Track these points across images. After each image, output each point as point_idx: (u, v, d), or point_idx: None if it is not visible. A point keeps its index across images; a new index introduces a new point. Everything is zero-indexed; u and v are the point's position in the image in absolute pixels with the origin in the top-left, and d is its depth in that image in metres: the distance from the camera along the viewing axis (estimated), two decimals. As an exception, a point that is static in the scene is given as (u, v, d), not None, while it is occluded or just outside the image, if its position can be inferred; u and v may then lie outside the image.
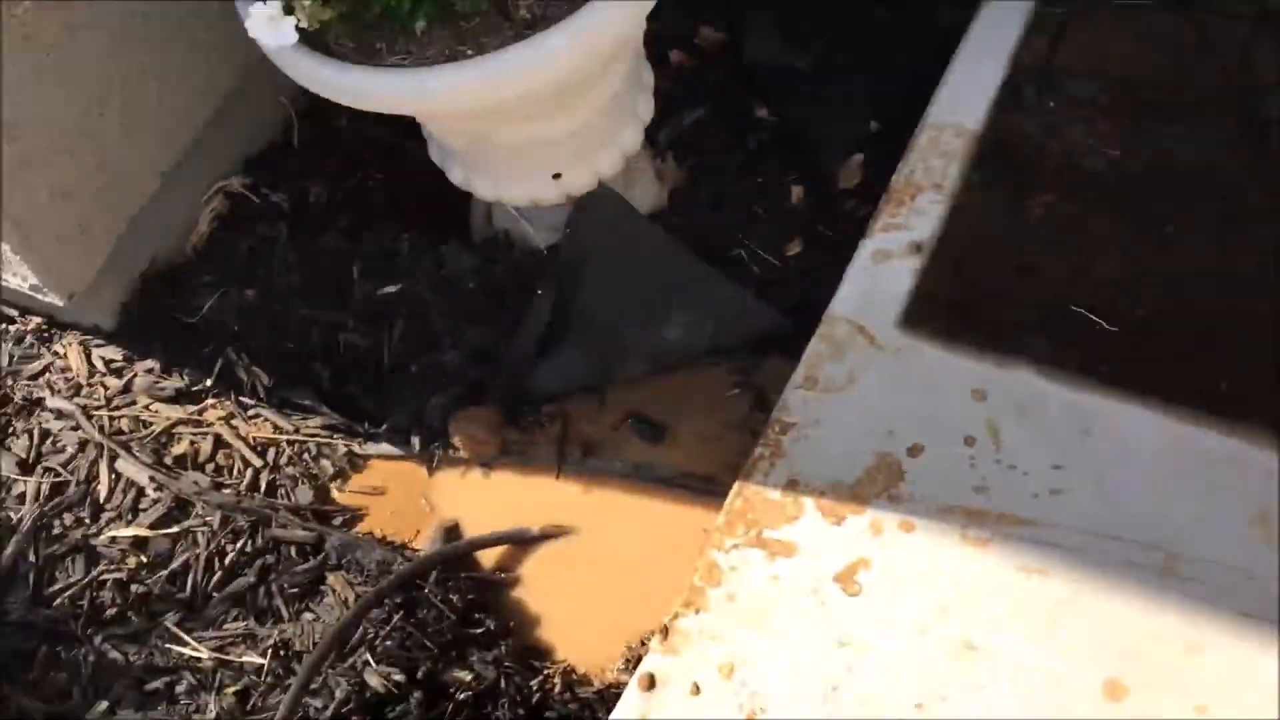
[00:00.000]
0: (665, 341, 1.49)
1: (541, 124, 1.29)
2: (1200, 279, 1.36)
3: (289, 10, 1.10)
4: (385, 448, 1.51)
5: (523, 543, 1.43)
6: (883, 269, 1.44)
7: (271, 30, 1.08)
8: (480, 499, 1.48)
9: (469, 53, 1.16)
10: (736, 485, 1.34)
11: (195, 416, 1.55)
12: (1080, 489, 1.28)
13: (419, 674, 1.30)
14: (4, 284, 1.55)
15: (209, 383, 1.56)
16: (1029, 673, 1.19)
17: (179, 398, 1.56)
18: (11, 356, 1.63)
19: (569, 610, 1.40)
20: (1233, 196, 1.41)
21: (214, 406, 1.56)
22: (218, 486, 1.49)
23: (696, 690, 1.24)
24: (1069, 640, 1.20)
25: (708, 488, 1.44)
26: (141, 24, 1.49)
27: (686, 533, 1.42)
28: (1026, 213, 1.43)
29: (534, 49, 1.12)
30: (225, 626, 1.40)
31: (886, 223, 1.47)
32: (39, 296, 1.53)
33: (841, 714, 1.20)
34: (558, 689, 1.32)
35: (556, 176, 1.40)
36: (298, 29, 1.12)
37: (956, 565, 1.26)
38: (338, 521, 1.47)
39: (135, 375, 1.59)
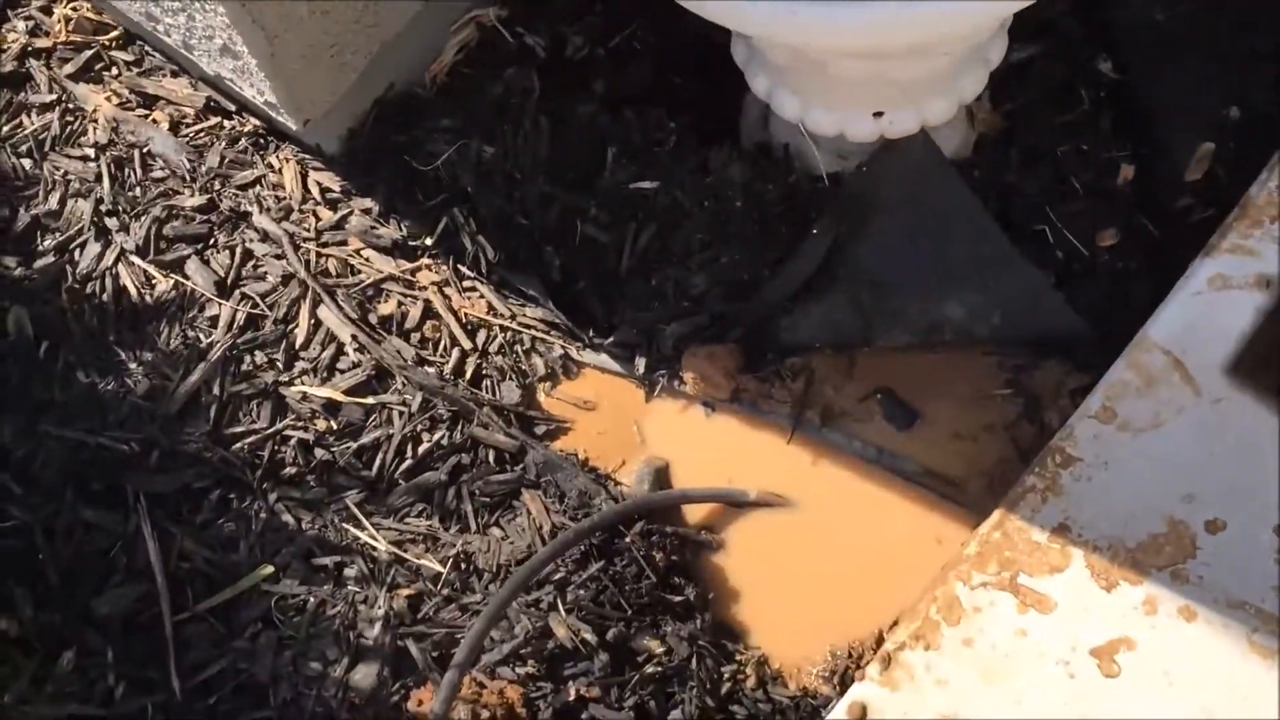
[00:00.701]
0: (941, 317, 1.29)
1: (890, 64, 1.07)
2: None
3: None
4: (605, 360, 1.36)
5: (737, 505, 1.28)
6: (1219, 299, 1.21)
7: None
8: (697, 442, 1.33)
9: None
10: (997, 514, 1.17)
11: (408, 275, 1.40)
12: (1402, 623, 1.09)
13: (608, 635, 1.18)
14: (238, 90, 1.38)
15: (429, 241, 1.41)
16: (1294, 821, 1.04)
17: (394, 250, 1.41)
18: (223, 158, 1.48)
19: (772, 592, 1.26)
20: None
21: (429, 269, 1.40)
22: (422, 362, 1.35)
23: (910, 737, 1.10)
24: (1350, 796, 1.04)
25: (952, 493, 1.27)
26: None
27: (918, 538, 1.26)
28: None
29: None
30: (407, 520, 1.28)
31: (1234, 243, 1.23)
32: (271, 114, 1.37)
33: (1066, 808, 1.06)
34: (751, 681, 1.20)
35: (878, 115, 1.18)
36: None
37: (1233, 672, 1.09)
38: (541, 430, 1.34)
39: (351, 212, 1.43)
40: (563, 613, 1.19)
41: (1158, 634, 1.11)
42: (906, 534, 1.27)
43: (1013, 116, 1.38)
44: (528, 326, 1.38)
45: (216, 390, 1.35)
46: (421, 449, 1.30)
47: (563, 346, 1.37)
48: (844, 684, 1.18)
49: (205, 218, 1.45)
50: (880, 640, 1.21)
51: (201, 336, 1.39)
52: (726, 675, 1.20)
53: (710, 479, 1.31)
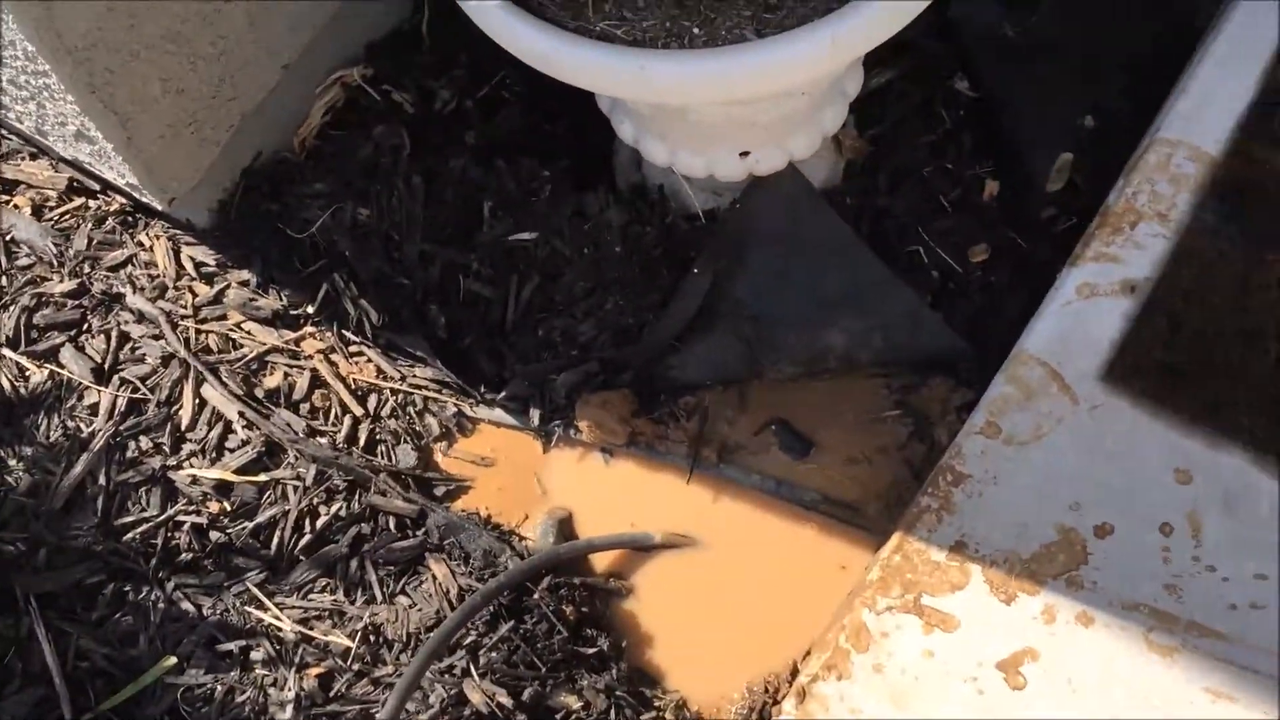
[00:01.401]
0: (825, 345, 1.29)
1: (750, 108, 1.05)
2: None
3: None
4: (499, 414, 1.33)
5: (643, 549, 1.26)
6: (1088, 307, 1.22)
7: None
8: (597, 489, 1.30)
9: (695, 30, 0.92)
10: (896, 537, 1.16)
11: (292, 345, 1.35)
12: (1286, 607, 1.11)
13: (524, 696, 1.15)
14: (98, 172, 1.32)
15: (310, 309, 1.37)
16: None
17: (275, 320, 1.37)
18: (90, 240, 1.42)
19: (686, 633, 1.24)
20: None
21: (314, 337, 1.36)
22: (313, 433, 1.30)
23: (829, 768, 1.09)
24: (1253, 784, 1.05)
25: (852, 517, 1.27)
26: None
27: (823, 566, 1.25)
28: (1267, 269, 1.21)
29: (788, 49, 0.89)
30: (311, 597, 1.24)
31: (1098, 251, 1.25)
32: (133, 193, 1.31)
33: (986, 825, 1.06)
34: (670, 727, 1.17)
35: (744, 154, 1.17)
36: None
37: (1136, 674, 1.10)
38: (440, 491, 1.30)
39: (228, 286, 1.38)
40: (476, 678, 1.16)
41: (1058, 642, 1.11)
42: (812, 563, 1.26)
43: (878, 141, 1.39)
44: (419, 387, 1.35)
45: (102, 480, 1.29)
46: (320, 522, 1.26)
47: (456, 405, 1.34)
48: (763, 717, 1.17)
49: (77, 303, 1.39)
50: (795, 672, 1.20)
51: (82, 426, 1.32)
52: (647, 720, 1.18)
53: (614, 525, 1.28)
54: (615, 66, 0.92)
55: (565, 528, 1.28)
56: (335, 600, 1.24)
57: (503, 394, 1.32)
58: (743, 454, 1.31)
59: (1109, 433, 1.19)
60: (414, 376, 1.35)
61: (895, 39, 1.37)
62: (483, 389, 1.33)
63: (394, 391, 1.35)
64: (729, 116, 1.09)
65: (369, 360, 1.36)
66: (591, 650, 1.20)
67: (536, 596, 1.20)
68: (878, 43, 0.97)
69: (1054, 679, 1.11)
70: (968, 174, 1.37)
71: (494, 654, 1.18)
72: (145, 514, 1.28)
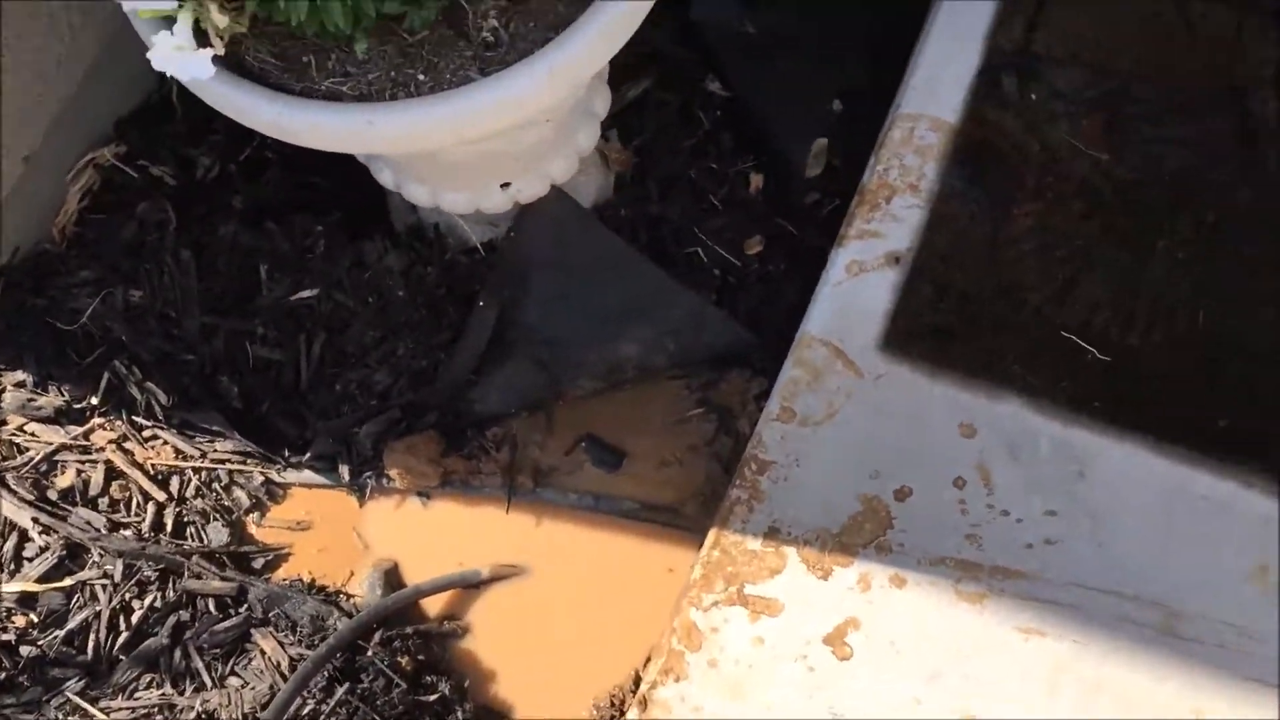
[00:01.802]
0: (620, 357, 1.30)
1: (492, 144, 1.05)
2: (1194, 300, 1.24)
3: (199, 32, 0.83)
4: (309, 476, 1.29)
5: (473, 587, 1.24)
6: (859, 283, 1.26)
7: (182, 63, 0.81)
8: (419, 534, 1.28)
9: (421, 77, 0.91)
10: (713, 534, 1.18)
11: (81, 441, 1.29)
12: (1075, 538, 1.16)
13: (371, 756, 1.12)
14: None
15: (94, 400, 1.31)
16: (1041, 750, 1.09)
17: (59, 417, 1.30)
18: None
19: (527, 662, 1.24)
20: (1225, 207, 1.27)
21: (103, 428, 1.30)
22: (115, 527, 1.25)
23: (679, 770, 1.10)
24: (1070, 710, 1.10)
25: (672, 519, 1.28)
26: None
27: (651, 571, 1.26)
28: (1012, 223, 1.27)
29: (509, 85, 0.89)
30: (138, 695, 1.19)
31: (860, 228, 1.29)
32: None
33: (835, 795, 1.08)
34: (522, 757, 1.16)
35: (505, 185, 1.16)
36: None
37: (951, 625, 1.14)
38: (259, 564, 1.26)
39: (3, 390, 1.31)
40: (318, 748, 1.13)
41: (876, 608, 1.15)
42: (640, 571, 1.27)
43: (643, 150, 1.40)
44: (221, 462, 1.30)
45: (-108, 614, 1.22)
46: (135, 617, 1.21)
47: (262, 473, 1.30)
48: (611, 732, 1.17)
49: None
50: (638, 680, 1.21)
51: None
52: (498, 758, 1.17)
53: (441, 567, 1.27)
54: (343, 124, 0.91)
55: (392, 578, 1.26)
56: (163, 694, 1.19)
57: (308, 455, 1.29)
58: (557, 475, 1.30)
59: (895, 399, 1.23)
60: (214, 452, 1.30)
61: (643, 50, 1.41)
62: (287, 453, 1.30)
63: (196, 470, 1.30)
64: (480, 153, 1.08)
65: (165, 443, 1.30)
66: (433, 697, 1.18)
67: (370, 653, 1.18)
68: (595, 68, 0.98)
69: (877, 644, 1.14)
70: (732, 171, 1.40)
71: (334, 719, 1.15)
72: (-54, 641, 1.21)
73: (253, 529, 1.30)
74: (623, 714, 1.19)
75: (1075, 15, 1.38)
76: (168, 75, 0.86)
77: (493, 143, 1.05)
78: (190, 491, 1.29)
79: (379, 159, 1.17)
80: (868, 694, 1.12)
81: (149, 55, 0.83)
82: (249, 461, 1.31)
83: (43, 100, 1.31)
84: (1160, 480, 1.18)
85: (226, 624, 1.21)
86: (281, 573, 1.27)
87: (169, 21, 0.88)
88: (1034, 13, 1.37)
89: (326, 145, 0.93)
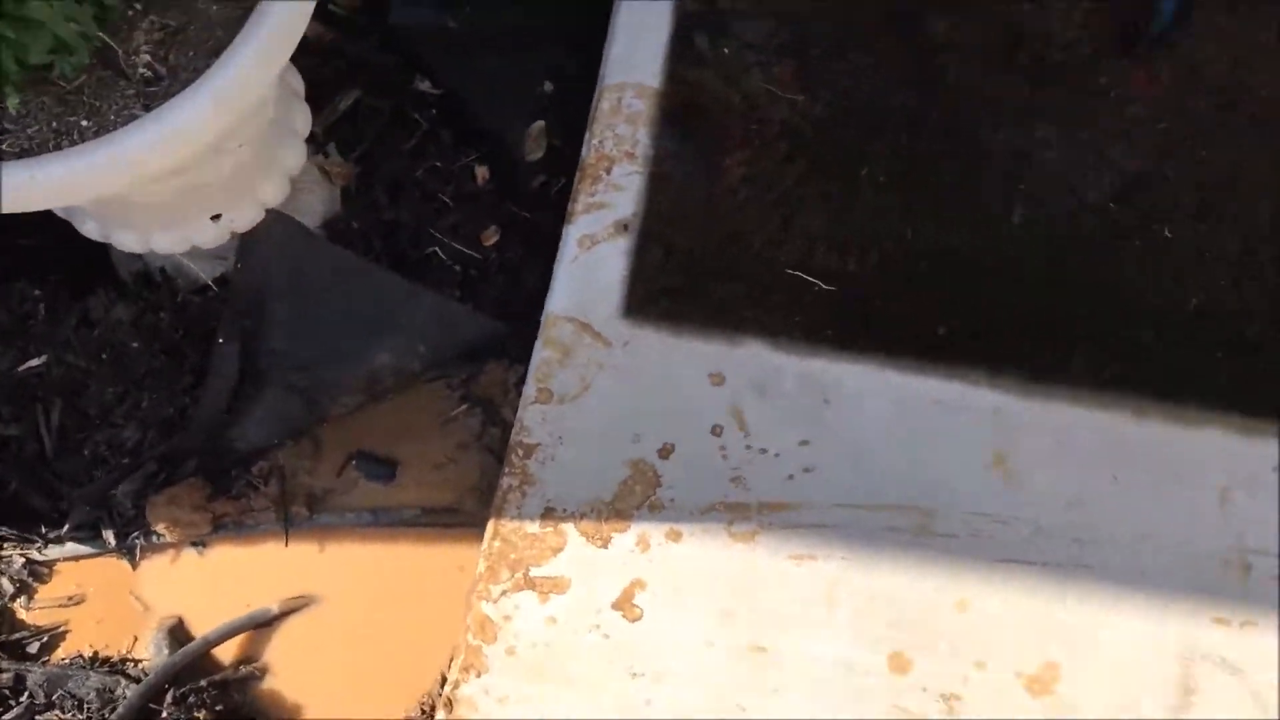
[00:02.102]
0: (375, 368, 1.28)
1: (188, 176, 1.01)
2: (902, 221, 1.30)
3: None
4: (72, 548, 1.24)
5: (266, 625, 1.21)
6: (593, 256, 1.28)
7: None
8: (200, 585, 1.25)
9: (85, 123, 0.88)
10: (491, 524, 1.18)
11: None
12: (831, 462, 1.21)
13: (181, 817, 1.09)
14: None
15: None
16: (819, 664, 1.15)
17: None
18: None
19: (333, 690, 1.22)
20: (912, 128, 1.34)
21: None
22: None
23: (496, 760, 1.11)
24: (848, 623, 1.16)
25: (453, 519, 1.28)
26: None
27: (442, 574, 1.26)
28: (725, 174, 1.31)
29: (173, 118, 0.86)
30: (-78, 812, 1.11)
31: (586, 203, 1.31)
32: None
33: (649, 749, 1.11)
34: (341, 782, 1.15)
35: (216, 218, 1.13)
36: None
37: (729, 566, 1.18)
38: (34, 647, 1.20)
39: None
40: (126, 821, 1.09)
41: (657, 565, 1.17)
42: (431, 575, 1.26)
43: (364, 160, 1.39)
44: (-26, 552, 1.23)
45: None
46: (-93, 733, 1.14)
47: (22, 554, 1.24)
48: (426, 739, 1.17)
49: None
50: (443, 684, 1.21)
51: None
52: (317, 790, 1.15)
53: (228, 614, 1.23)
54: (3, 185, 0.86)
55: (178, 634, 1.22)
56: (-48, 803, 1.13)
57: (67, 527, 1.23)
58: (333, 497, 1.28)
59: (645, 363, 1.26)
60: (-35, 543, 1.24)
61: (345, 61, 1.39)
62: (44, 529, 1.24)
63: (-52, 566, 1.23)
64: (177, 189, 1.05)
65: (-90, 543, 1.23)
66: (240, 744, 1.16)
67: (165, 716, 1.14)
68: (261, 88, 0.96)
69: (663, 599, 1.17)
70: (456, 166, 1.40)
71: (138, 790, 1.11)
72: None
73: (22, 614, 1.23)
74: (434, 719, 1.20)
75: (758, -33, 1.44)
76: None
77: (187, 176, 1.02)
78: (-54, 589, 1.22)
79: (77, 211, 1.12)
80: (663, 647, 1.15)
81: None
82: (5, 545, 1.24)
83: None
84: (896, 392, 1.24)
85: (8, 717, 1.16)
86: (61, 652, 1.21)
87: None
88: (716, -30, 1.42)
89: (-6, 210, 0.88)
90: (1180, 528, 1.18)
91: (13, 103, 0.86)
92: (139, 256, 1.34)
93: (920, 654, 1.15)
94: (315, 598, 1.26)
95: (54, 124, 0.89)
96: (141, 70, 0.89)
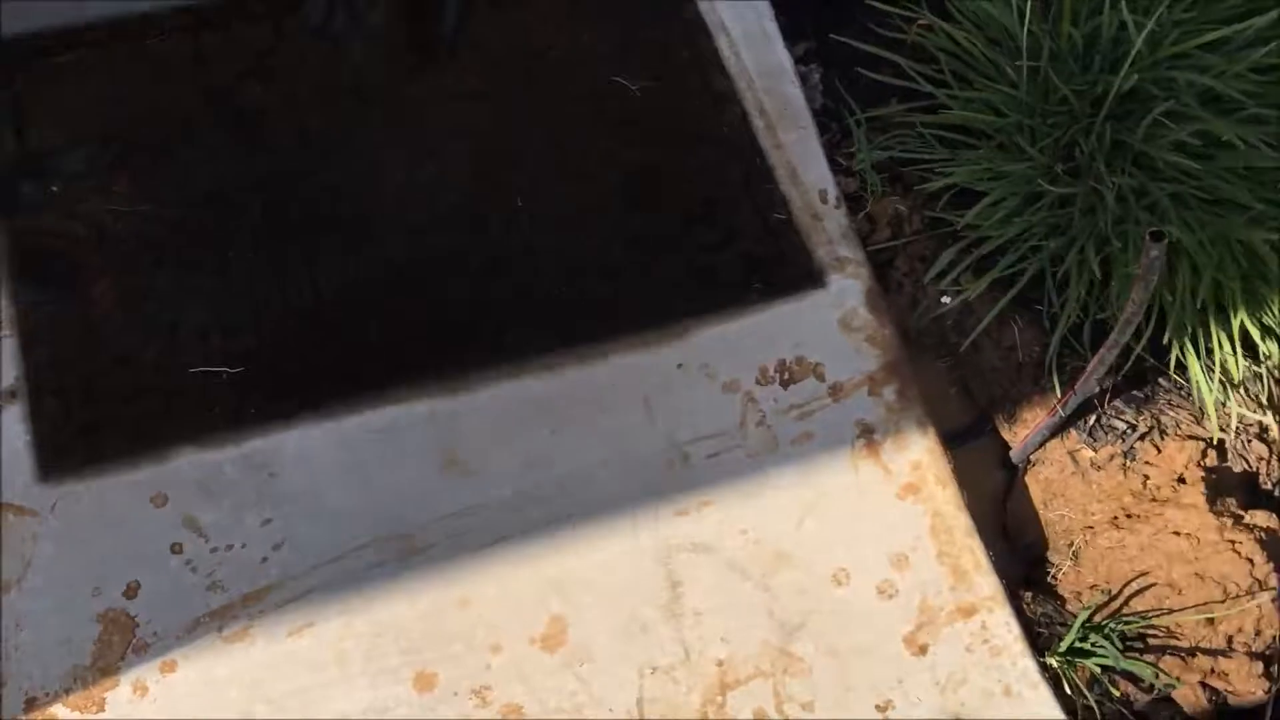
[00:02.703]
0: None
1: None
2: (275, 287, 1.31)
3: None
4: None
5: None
6: (-15, 432, 1.22)
7: None
8: None
9: None
10: (-26, 749, 1.10)
11: None
12: (297, 528, 1.22)
13: None
14: None
15: None
16: (368, 713, 1.14)
17: None
18: None
19: None
20: (266, 196, 1.35)
21: None
22: None
23: None
24: (362, 669, 1.17)
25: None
26: None
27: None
28: (96, 305, 1.28)
29: None
30: None
31: (-30, 388, 1.24)
32: None
33: None
34: None
35: None
36: None
37: (234, 672, 1.16)
38: None
39: None
40: None
41: (160, 703, 1.12)
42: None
43: None
44: None
45: None
46: None
47: None
48: None
49: None
50: None
51: None
52: None
53: None
54: None
55: None
56: None
57: None
58: None
59: (81, 515, 1.21)
60: None
61: None
62: None
63: None
64: None
65: None
66: None
67: None
68: None
69: (179, 733, 1.14)
70: None
71: None
72: None
73: None
74: None
75: (60, 100, 1.40)
76: None
77: None
78: None
79: None
80: (195, 782, 1.12)
81: None
82: None
83: None
84: (335, 438, 1.26)
85: None
86: None
87: None
88: (15, 112, 1.37)
89: None
90: (622, 448, 1.27)
91: None
92: None
93: (441, 665, 1.17)
94: None
95: None
96: None
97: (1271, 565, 1.25)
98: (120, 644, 1.16)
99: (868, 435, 1.28)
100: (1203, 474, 1.31)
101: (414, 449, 1.27)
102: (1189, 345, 1.33)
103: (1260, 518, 1.30)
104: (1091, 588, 1.28)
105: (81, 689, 1.14)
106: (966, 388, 1.39)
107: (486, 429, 1.29)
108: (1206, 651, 1.25)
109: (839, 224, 1.39)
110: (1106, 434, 1.34)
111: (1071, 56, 1.36)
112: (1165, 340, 1.33)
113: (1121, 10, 1.33)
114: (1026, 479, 1.35)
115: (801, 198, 1.40)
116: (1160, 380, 1.37)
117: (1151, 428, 1.34)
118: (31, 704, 1.13)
